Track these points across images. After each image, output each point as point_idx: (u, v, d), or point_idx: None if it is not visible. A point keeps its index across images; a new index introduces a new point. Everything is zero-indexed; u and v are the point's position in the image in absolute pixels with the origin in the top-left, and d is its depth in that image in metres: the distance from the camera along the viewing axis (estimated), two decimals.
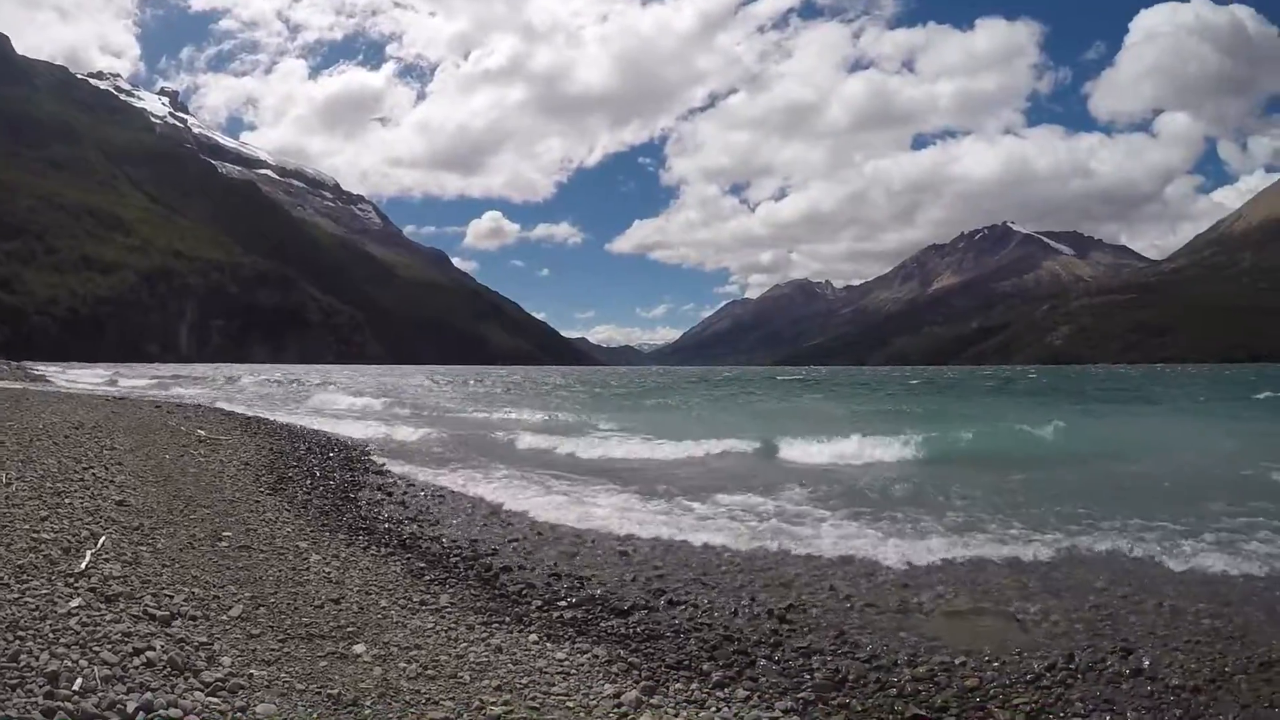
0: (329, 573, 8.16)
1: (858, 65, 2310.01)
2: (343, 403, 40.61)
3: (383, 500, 13.22)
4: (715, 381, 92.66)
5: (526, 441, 22.46)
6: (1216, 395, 54.31)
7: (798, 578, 9.24)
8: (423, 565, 8.99)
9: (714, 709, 5.59)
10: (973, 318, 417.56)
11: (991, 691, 6.29)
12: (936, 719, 5.81)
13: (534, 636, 6.78)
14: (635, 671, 6.17)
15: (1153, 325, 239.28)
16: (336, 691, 5.22)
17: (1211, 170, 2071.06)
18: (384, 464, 17.67)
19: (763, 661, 6.65)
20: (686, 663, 6.49)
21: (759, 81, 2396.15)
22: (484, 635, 6.68)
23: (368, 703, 5.15)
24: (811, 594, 8.64)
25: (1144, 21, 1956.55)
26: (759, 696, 5.89)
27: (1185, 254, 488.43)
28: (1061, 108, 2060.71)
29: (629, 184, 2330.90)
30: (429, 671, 5.77)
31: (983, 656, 6.95)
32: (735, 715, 5.52)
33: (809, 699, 5.93)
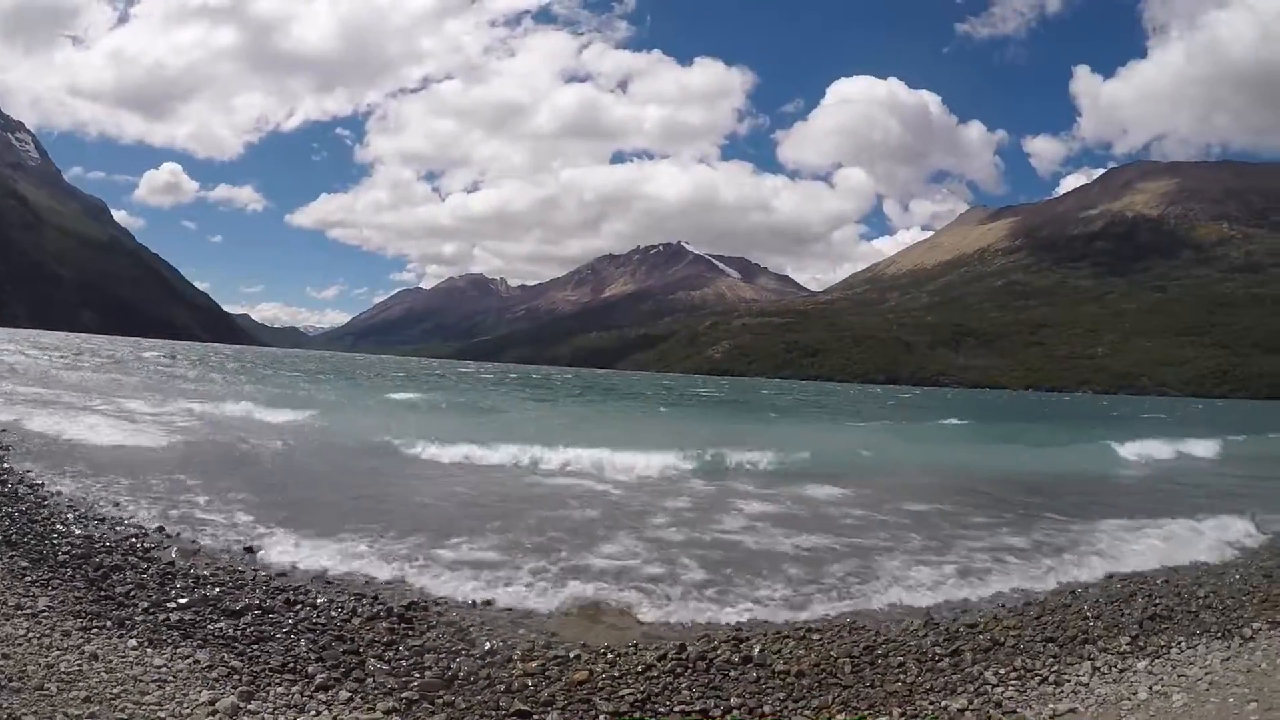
0: None
1: (575, 77, 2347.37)
2: None
3: None
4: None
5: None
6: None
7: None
8: (26, 565, 8.25)
9: (314, 712, 5.60)
10: (640, 326, 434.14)
11: (600, 684, 6.65)
12: (541, 713, 6.08)
13: (134, 641, 6.44)
14: (236, 676, 6.03)
15: (805, 346, 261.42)
16: None
17: (876, 222, 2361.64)
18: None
19: (373, 661, 6.70)
20: (293, 665, 6.42)
21: (477, 73, 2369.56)
22: (80, 642, 6.27)
23: None
24: (437, 592, 8.76)
25: (842, 88, 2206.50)
26: (361, 698, 5.95)
27: (841, 288, 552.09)
28: (754, 149, 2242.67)
29: (323, 154, 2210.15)
30: (14, 684, 5.37)
31: (598, 650, 7.33)
32: (335, 718, 5.56)
33: (414, 698, 6.06)
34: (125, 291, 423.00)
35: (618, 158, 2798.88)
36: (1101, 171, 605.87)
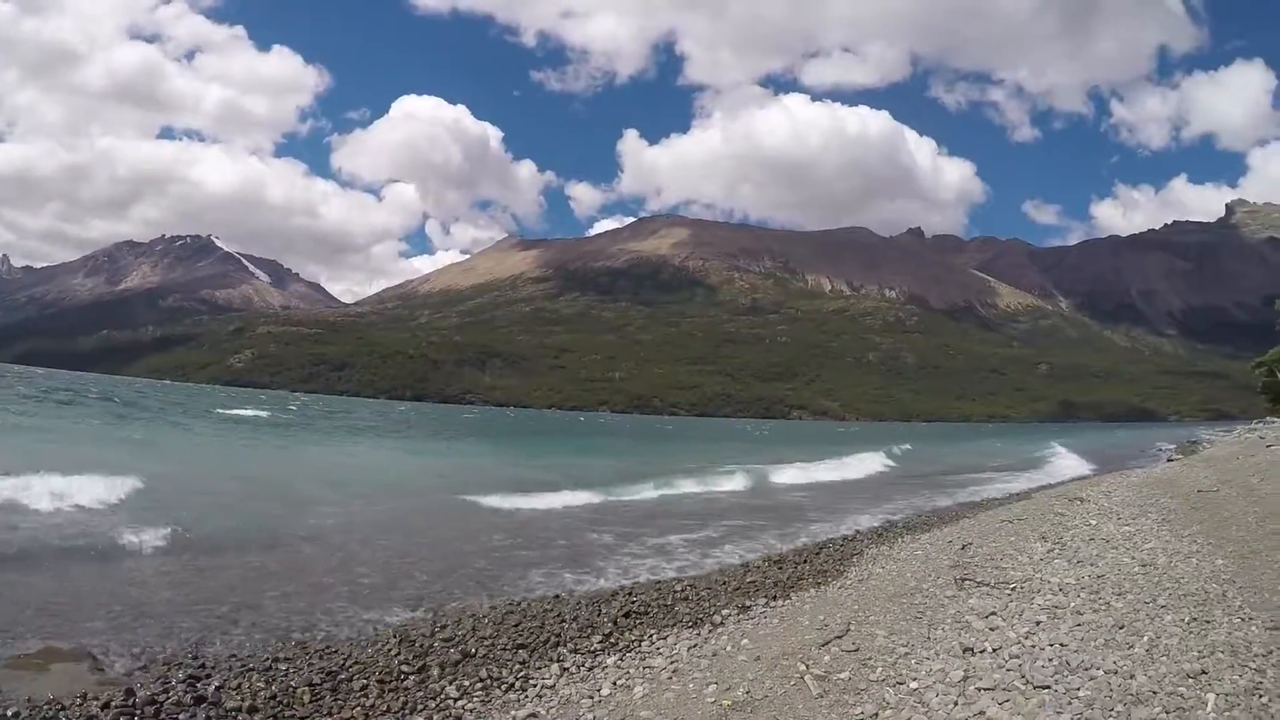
0: None
1: (142, 35, 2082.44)
2: None
3: None
4: None
5: None
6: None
7: None
8: None
9: None
10: (161, 325, 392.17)
11: None
12: None
13: None
14: None
15: (333, 359, 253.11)
16: None
17: (418, 241, 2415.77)
18: None
19: None
20: None
21: (33, 6, 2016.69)
22: None
23: None
24: None
25: (408, 105, 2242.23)
26: None
27: (372, 302, 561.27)
28: (311, 151, 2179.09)
29: None
30: None
31: (39, 705, 6.68)
32: None
33: None
34: None
35: (166, 133, 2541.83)
36: (633, 220, 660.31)
